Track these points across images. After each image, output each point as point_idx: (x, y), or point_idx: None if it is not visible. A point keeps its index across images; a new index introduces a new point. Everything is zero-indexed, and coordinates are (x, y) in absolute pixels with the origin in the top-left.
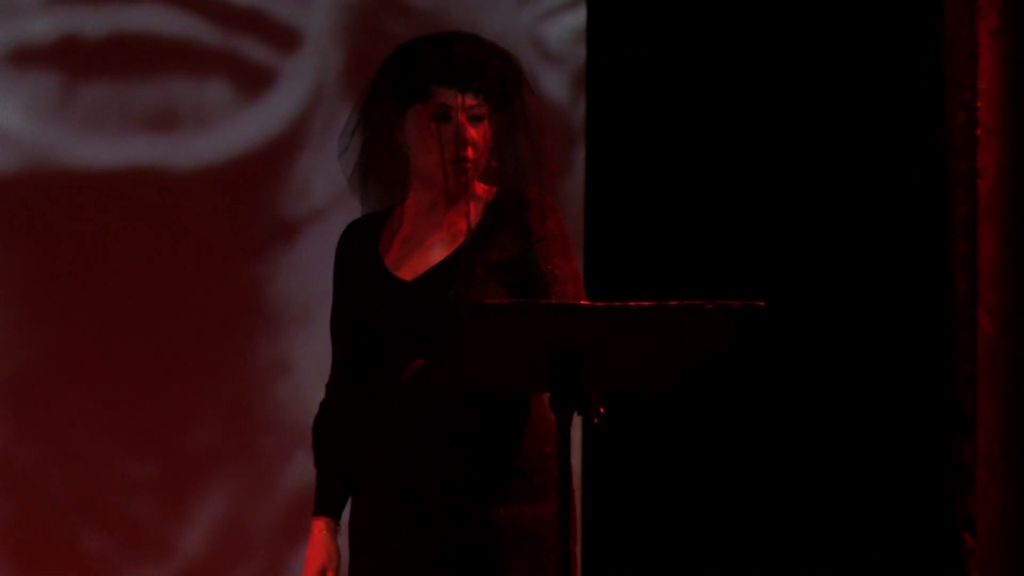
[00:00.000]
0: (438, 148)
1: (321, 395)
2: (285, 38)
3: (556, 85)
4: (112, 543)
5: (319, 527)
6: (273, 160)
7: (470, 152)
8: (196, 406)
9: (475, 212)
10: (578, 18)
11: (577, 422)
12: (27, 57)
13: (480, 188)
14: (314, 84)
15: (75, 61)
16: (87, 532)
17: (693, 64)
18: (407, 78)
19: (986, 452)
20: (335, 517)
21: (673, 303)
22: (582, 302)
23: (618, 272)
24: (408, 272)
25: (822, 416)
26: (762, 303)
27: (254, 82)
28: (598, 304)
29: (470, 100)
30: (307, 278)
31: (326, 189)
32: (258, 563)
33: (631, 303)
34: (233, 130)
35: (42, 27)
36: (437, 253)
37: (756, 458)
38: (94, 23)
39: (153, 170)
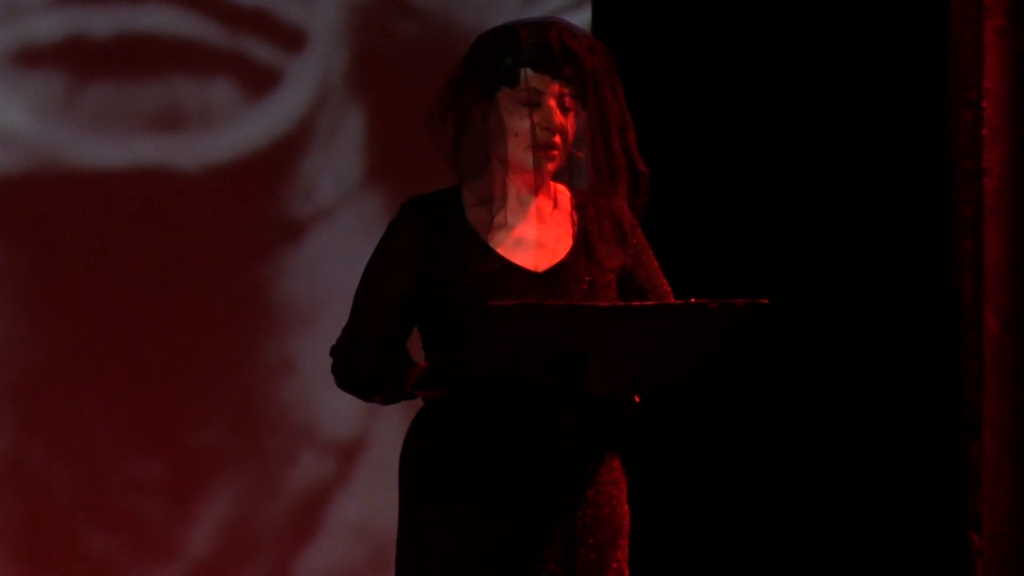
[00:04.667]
0: (526, 133)
1: (328, 394)
2: (290, 38)
3: None
4: (118, 543)
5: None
6: (279, 160)
7: (557, 139)
8: (202, 406)
9: (565, 205)
10: (583, 18)
11: None
12: (33, 57)
13: (561, 184)
14: (319, 84)
15: (81, 61)
16: (93, 532)
17: (697, 64)
18: (499, 61)
19: (992, 452)
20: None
21: (676, 302)
22: (600, 298)
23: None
24: (530, 263)
25: (828, 416)
26: (766, 301)
27: (260, 82)
28: (602, 304)
29: (561, 88)
30: (313, 278)
31: (332, 189)
32: (264, 563)
33: (635, 303)
34: (238, 130)
35: (48, 27)
36: (552, 246)
37: (761, 458)
38: (100, 23)
39: (159, 170)
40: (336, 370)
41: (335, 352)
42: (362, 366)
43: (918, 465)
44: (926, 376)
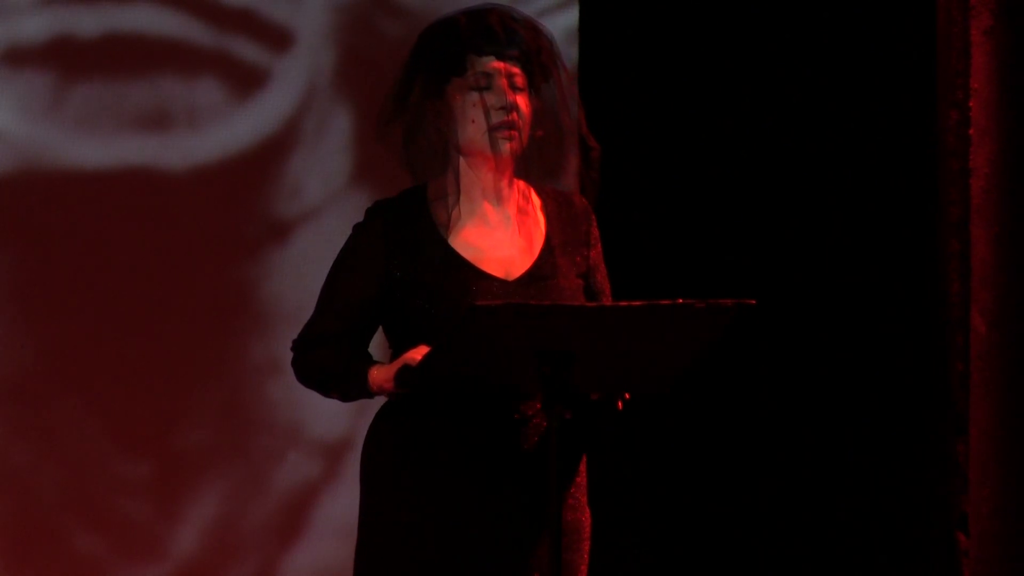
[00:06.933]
0: (481, 117)
1: (314, 395)
2: (277, 38)
3: None
4: (105, 543)
5: (373, 371)
6: (265, 160)
7: (514, 116)
8: (189, 406)
9: (531, 206)
10: (570, 18)
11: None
12: (20, 57)
13: (520, 182)
14: (306, 84)
15: (67, 61)
16: (80, 532)
17: (685, 64)
18: (443, 53)
19: (979, 452)
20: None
21: (664, 302)
22: (575, 303)
23: (609, 272)
24: (499, 269)
25: (815, 416)
26: (753, 301)
27: (246, 82)
28: (589, 304)
29: (509, 68)
30: (300, 278)
31: (318, 189)
32: (250, 563)
33: (622, 303)
34: (225, 130)
35: (34, 27)
36: (521, 252)
37: (749, 458)
38: (86, 23)
39: (145, 170)
40: (296, 364)
41: (296, 346)
42: (321, 362)
43: (905, 465)
44: (913, 376)
